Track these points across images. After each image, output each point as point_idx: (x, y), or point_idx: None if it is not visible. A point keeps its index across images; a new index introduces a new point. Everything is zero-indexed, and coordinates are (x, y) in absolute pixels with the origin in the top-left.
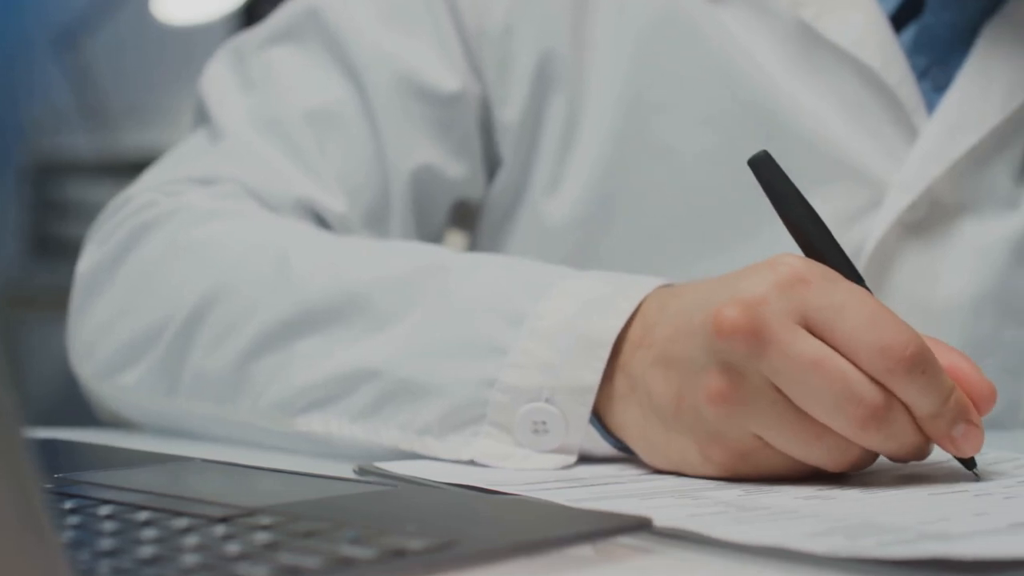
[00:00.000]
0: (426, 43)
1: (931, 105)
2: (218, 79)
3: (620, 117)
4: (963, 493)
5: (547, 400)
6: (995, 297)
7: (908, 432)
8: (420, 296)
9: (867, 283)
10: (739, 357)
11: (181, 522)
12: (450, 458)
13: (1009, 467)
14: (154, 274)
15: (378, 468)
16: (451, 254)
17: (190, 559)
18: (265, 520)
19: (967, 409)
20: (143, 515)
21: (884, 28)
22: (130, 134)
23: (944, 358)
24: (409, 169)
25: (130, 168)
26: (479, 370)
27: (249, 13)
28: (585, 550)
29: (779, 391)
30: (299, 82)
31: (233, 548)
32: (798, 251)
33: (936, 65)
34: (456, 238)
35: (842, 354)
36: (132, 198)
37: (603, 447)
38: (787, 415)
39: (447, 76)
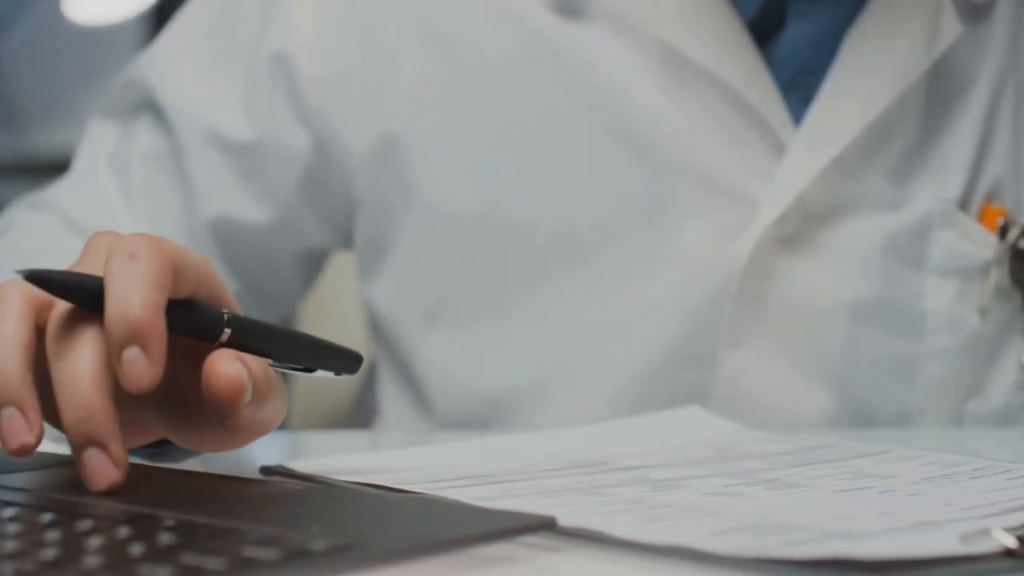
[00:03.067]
0: (234, 91)
1: (798, 117)
2: (95, 126)
3: (491, 150)
4: (868, 490)
5: None
6: (876, 304)
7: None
8: None
9: (740, 298)
10: None
11: (85, 524)
12: None
13: (914, 465)
14: None
15: (284, 468)
16: None
17: (93, 561)
18: (169, 521)
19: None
20: (47, 517)
21: (745, 44)
22: (44, 134)
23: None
24: (205, 220)
25: (44, 168)
26: None
27: (160, 13)
28: (489, 550)
29: None
30: (141, 134)
31: (136, 549)
32: (677, 265)
33: (802, 76)
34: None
35: None
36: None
37: None
38: None
39: (244, 125)
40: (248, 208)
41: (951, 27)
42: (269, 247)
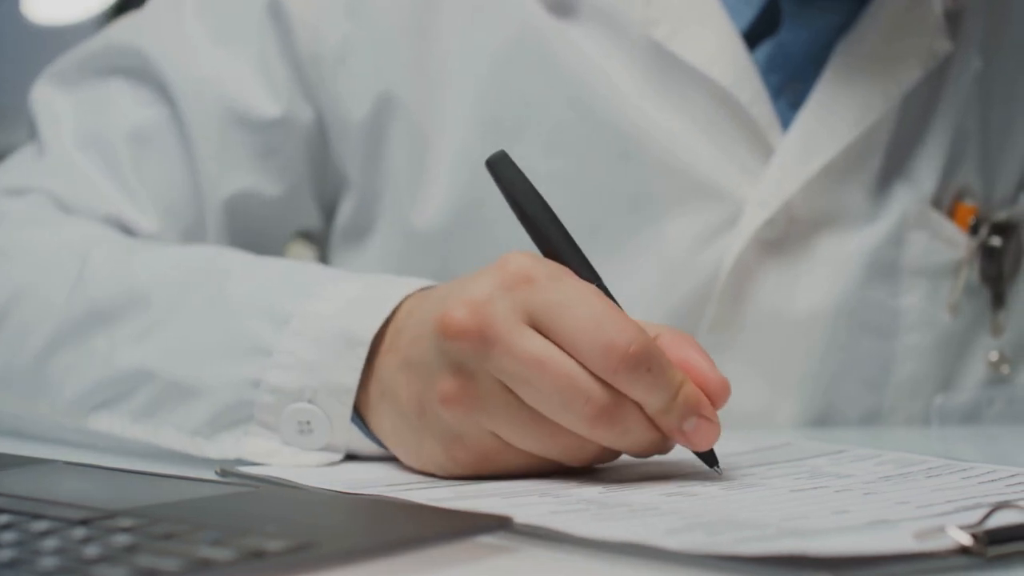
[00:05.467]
0: (249, 67)
1: (787, 122)
2: (46, 98)
3: (476, 143)
4: (824, 490)
5: (310, 400)
6: (851, 310)
7: (641, 428)
8: (195, 297)
9: (721, 300)
10: (467, 358)
11: (41, 525)
12: (219, 457)
13: (870, 464)
14: None
15: (240, 470)
16: (238, 257)
17: (48, 562)
18: (125, 522)
19: (698, 403)
20: (2, 518)
21: (737, 46)
22: (3, 135)
23: (678, 352)
24: (223, 196)
25: None
26: (245, 371)
27: (119, 13)
28: (446, 550)
29: (510, 391)
30: (122, 106)
31: (92, 551)
32: (659, 263)
33: (791, 82)
34: (302, 250)
35: (568, 352)
36: None
37: (369, 447)
38: (520, 414)
39: (268, 102)
40: (266, 185)
41: (942, 44)
42: (275, 225)
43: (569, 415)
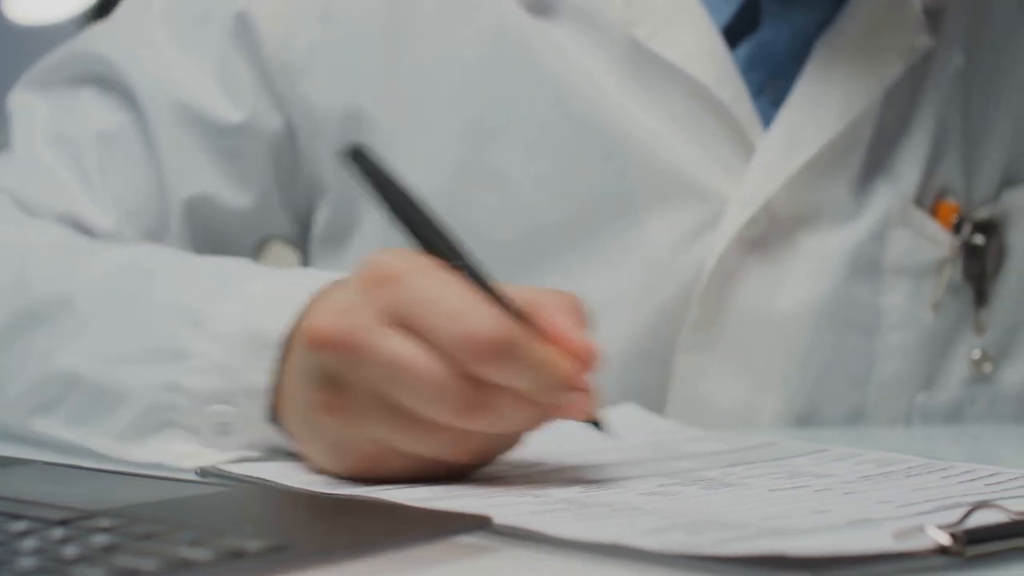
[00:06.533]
0: (210, 72)
1: (768, 120)
2: (23, 103)
3: (457, 144)
4: (803, 489)
5: (227, 402)
6: (835, 308)
7: (516, 410)
8: (120, 299)
9: (704, 300)
10: (336, 367)
11: (19, 525)
12: (145, 461)
13: (850, 463)
14: None
15: (219, 470)
16: (167, 258)
17: (27, 562)
18: (104, 522)
19: (567, 378)
20: None
21: (717, 44)
22: None
23: (550, 320)
24: (183, 197)
25: None
26: (163, 374)
27: (100, 12)
28: (425, 549)
29: (381, 396)
30: (91, 112)
31: (71, 551)
32: (642, 263)
33: (772, 80)
34: (286, 253)
35: (434, 347)
36: None
37: (291, 445)
38: (394, 417)
39: (228, 107)
40: (228, 191)
41: (922, 40)
42: (241, 232)
43: (439, 410)
